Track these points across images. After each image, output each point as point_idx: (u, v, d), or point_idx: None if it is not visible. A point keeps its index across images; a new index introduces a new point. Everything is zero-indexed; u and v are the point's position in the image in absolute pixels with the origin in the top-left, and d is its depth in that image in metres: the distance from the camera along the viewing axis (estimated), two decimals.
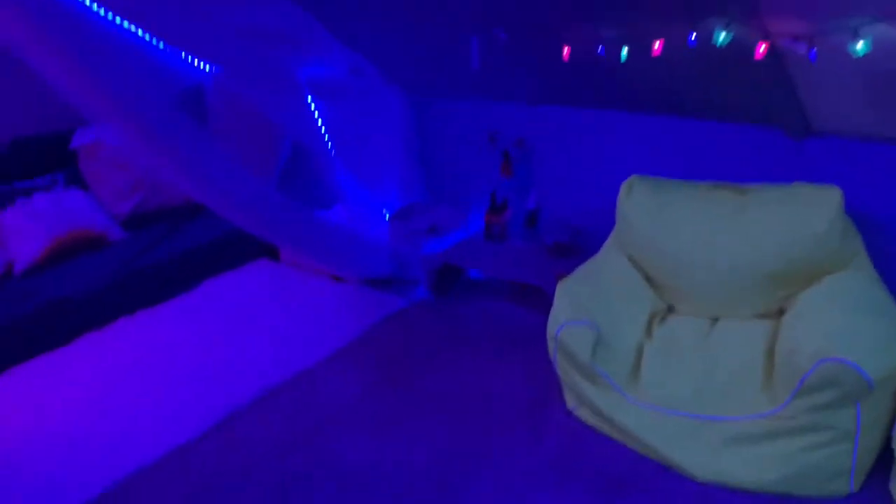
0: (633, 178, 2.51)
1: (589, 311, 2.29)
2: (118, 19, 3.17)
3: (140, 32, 3.48)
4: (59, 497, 2.14)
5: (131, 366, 2.82)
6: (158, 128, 2.81)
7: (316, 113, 3.55)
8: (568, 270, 2.79)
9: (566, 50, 2.31)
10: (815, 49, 1.91)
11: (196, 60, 3.87)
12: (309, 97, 3.50)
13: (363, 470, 2.22)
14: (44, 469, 2.27)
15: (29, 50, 2.51)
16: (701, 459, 2.02)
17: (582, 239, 2.95)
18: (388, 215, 3.52)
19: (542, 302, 3.01)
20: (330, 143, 3.60)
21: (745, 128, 2.58)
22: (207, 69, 3.91)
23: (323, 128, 3.57)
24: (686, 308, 2.47)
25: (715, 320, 2.42)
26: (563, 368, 2.32)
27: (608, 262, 2.54)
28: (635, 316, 2.39)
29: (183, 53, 3.80)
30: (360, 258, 3.38)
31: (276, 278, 3.57)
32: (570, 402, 2.38)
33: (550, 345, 2.34)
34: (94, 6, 2.92)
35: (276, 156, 3.83)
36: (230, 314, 3.22)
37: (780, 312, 2.32)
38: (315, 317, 3.16)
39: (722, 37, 2.02)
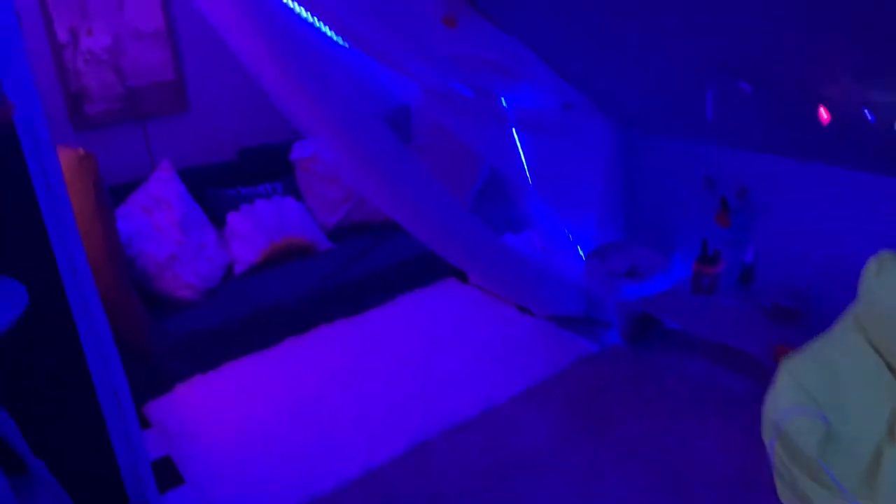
0: (886, 255, 2.19)
1: (818, 399, 2.04)
2: (335, 36, 3.31)
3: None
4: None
5: (329, 375, 2.98)
6: (364, 143, 2.93)
7: (517, 140, 3.52)
8: (788, 340, 2.54)
9: (823, 110, 2.07)
10: None
11: (405, 80, 3.99)
12: (511, 125, 3.48)
13: None
14: (244, 469, 2.45)
15: (258, 65, 2.73)
16: None
17: (806, 306, 2.66)
18: (582, 251, 3.41)
19: (750, 368, 2.78)
20: (528, 170, 3.56)
21: None
22: (414, 88, 4.01)
23: (522, 155, 3.53)
24: None
25: None
26: (780, 458, 2.09)
27: (844, 343, 2.25)
28: (876, 412, 2.10)
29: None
30: (550, 293, 3.31)
31: (464, 300, 3.61)
32: (785, 495, 2.14)
33: (767, 429, 2.13)
34: (319, 23, 3.09)
35: (474, 179, 3.87)
36: (420, 333, 3.30)
37: None
38: (501, 347, 3.15)
39: None
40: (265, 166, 3.81)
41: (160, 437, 2.65)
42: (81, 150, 2.57)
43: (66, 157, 2.44)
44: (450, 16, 2.67)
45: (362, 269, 3.52)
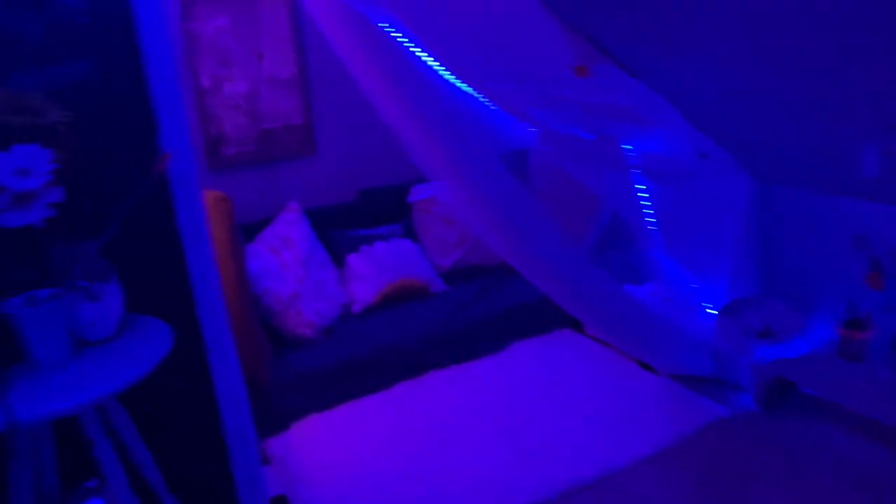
0: None
1: None
2: (459, 83, 3.34)
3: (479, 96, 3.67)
4: None
5: (442, 423, 2.94)
6: (484, 185, 2.92)
7: (642, 187, 3.40)
8: None
9: None
10: None
11: (524, 124, 3.97)
12: (637, 171, 3.37)
13: None
14: None
15: (388, 109, 2.79)
16: None
17: None
18: (711, 307, 3.22)
19: None
20: (654, 219, 3.42)
21: None
22: (533, 132, 3.98)
23: (647, 202, 3.40)
24: None
25: None
26: None
27: None
28: None
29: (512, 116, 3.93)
30: (675, 349, 3.14)
31: (580, 352, 3.48)
32: None
33: None
34: (447, 74, 3.13)
35: (594, 225, 3.77)
36: (533, 385, 3.20)
37: None
38: (621, 405, 2.99)
39: None
40: (384, 208, 3.89)
41: (278, 475, 2.69)
42: (219, 193, 2.70)
43: (206, 199, 2.57)
44: (582, 65, 2.63)
45: (475, 314, 3.49)
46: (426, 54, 2.93)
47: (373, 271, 3.51)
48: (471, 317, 3.45)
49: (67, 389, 1.50)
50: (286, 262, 3.26)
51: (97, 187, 1.85)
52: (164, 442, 2.06)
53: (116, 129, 1.90)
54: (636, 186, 3.44)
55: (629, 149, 3.29)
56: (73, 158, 1.74)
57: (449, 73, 3.10)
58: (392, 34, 2.78)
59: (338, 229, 3.68)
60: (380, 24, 2.70)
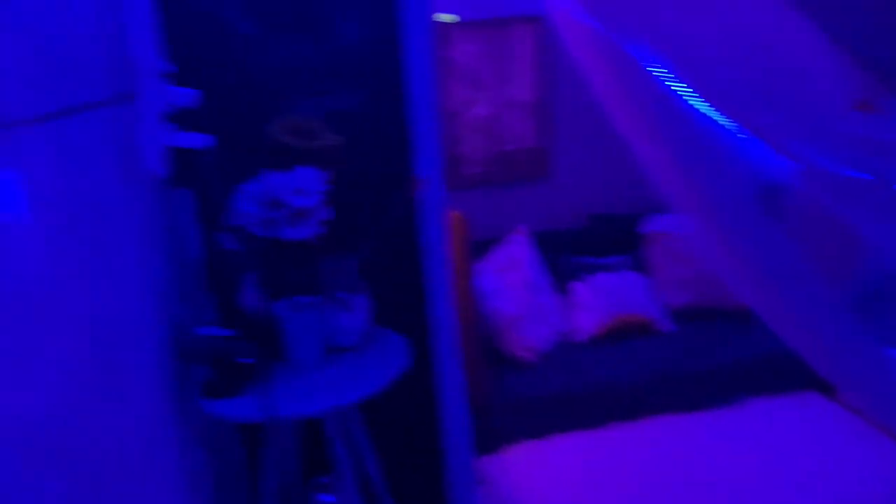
0: None
1: None
2: (715, 113, 3.14)
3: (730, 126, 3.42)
4: None
5: (656, 477, 2.75)
6: (734, 222, 2.68)
7: None
8: None
9: None
10: None
11: (781, 158, 3.63)
12: None
13: None
14: None
15: (637, 138, 2.69)
16: None
17: None
18: None
19: None
20: None
21: None
22: (792, 166, 3.62)
23: None
24: None
25: None
26: None
27: None
28: None
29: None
30: None
31: (827, 420, 3.06)
32: None
33: None
34: (702, 103, 2.95)
35: (859, 276, 3.30)
36: (766, 449, 2.87)
37: None
38: (871, 488, 2.58)
39: None
40: (612, 236, 3.77)
41: (489, 496, 2.71)
42: (458, 214, 2.81)
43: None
44: (866, 100, 2.31)
45: (706, 361, 3.22)
46: (681, 83, 2.79)
47: (598, 302, 3.42)
48: (700, 363, 3.20)
49: (320, 391, 1.64)
50: (511, 284, 3.29)
51: (356, 207, 2.01)
52: (384, 449, 2.17)
53: (376, 153, 2.05)
54: None
55: None
56: (340, 180, 1.90)
57: (705, 102, 2.92)
58: (645, 62, 2.69)
59: (564, 255, 3.64)
60: (633, 53, 2.63)
